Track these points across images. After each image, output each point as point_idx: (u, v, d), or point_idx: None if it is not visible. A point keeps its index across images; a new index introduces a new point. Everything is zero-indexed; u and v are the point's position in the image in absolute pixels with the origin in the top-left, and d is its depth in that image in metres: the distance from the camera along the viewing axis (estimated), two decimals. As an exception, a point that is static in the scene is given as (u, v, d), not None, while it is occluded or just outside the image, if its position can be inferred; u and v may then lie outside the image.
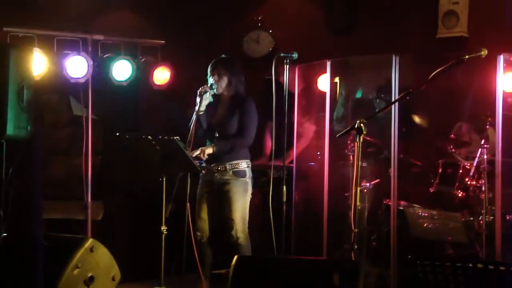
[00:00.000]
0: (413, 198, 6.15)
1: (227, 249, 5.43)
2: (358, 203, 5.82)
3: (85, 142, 6.04)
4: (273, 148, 5.46)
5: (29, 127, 5.06)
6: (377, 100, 6.82)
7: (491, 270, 3.55)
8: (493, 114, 5.15)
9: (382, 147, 6.12)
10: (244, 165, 5.51)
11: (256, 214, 6.10)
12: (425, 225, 5.84)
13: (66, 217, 6.54)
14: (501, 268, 3.53)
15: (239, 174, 5.49)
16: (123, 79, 6.20)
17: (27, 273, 4.49)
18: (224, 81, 5.51)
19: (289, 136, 5.41)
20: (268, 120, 6.10)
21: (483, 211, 5.63)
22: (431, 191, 6.12)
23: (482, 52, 4.23)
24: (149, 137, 5.14)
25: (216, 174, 5.51)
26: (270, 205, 5.19)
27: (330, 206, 5.70)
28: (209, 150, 5.42)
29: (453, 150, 6.17)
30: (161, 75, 6.44)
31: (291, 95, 5.77)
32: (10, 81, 4.84)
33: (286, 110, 5.10)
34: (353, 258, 5.43)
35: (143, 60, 6.40)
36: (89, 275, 4.88)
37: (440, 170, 6.09)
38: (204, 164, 5.48)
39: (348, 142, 6.25)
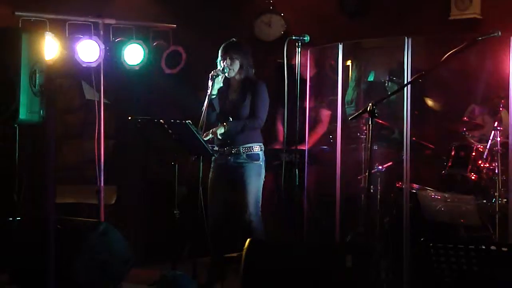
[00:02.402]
0: (425, 181, 6.13)
1: (240, 232, 5.44)
2: (370, 186, 5.85)
3: (97, 126, 6.06)
4: (285, 131, 5.45)
5: (41, 112, 5.09)
6: (389, 83, 6.79)
7: (504, 252, 3.54)
8: (506, 96, 5.11)
9: (393, 128, 6.10)
10: (257, 148, 5.52)
11: (269, 197, 6.11)
12: (438, 207, 5.82)
13: (79, 201, 6.58)
14: (515, 250, 3.52)
15: (253, 157, 5.50)
16: (135, 63, 6.21)
17: (39, 256, 4.51)
18: (236, 64, 5.51)
19: (301, 119, 5.40)
20: (280, 103, 6.10)
21: (496, 194, 5.62)
22: (444, 173, 6.10)
23: (496, 33, 4.20)
24: (161, 121, 5.14)
25: (230, 157, 5.51)
26: (283, 188, 5.19)
27: (342, 190, 5.69)
28: (221, 130, 5.44)
29: (466, 132, 6.14)
30: (173, 59, 6.44)
31: (303, 78, 5.75)
32: (22, 66, 4.86)
33: (298, 93, 5.08)
34: (365, 241, 5.45)
35: (155, 44, 6.40)
36: (102, 259, 4.90)
37: (453, 153, 6.06)
38: (216, 148, 5.50)
39: (361, 125, 6.23)
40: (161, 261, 5.97)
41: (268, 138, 6.01)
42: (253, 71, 5.60)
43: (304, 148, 6.00)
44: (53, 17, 5.97)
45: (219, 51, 5.53)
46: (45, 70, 4.94)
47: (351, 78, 7.09)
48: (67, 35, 5.99)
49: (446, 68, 6.01)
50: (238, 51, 5.52)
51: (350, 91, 7.00)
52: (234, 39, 5.61)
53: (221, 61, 5.51)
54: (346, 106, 6.86)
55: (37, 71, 4.89)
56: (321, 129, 6.47)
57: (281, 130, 6.56)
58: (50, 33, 5.77)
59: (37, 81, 4.88)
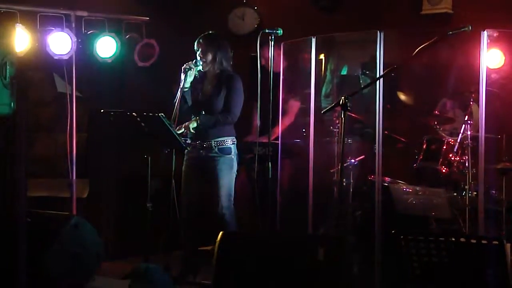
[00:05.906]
0: (397, 174, 6.18)
1: (213, 225, 5.44)
2: (343, 179, 5.88)
3: (70, 119, 6.02)
4: (258, 125, 5.45)
5: (12, 104, 5.03)
6: (362, 77, 6.83)
7: (473, 244, 3.59)
8: (476, 90, 5.18)
9: (366, 123, 6.14)
10: (229, 142, 5.51)
11: (242, 190, 6.12)
12: (410, 200, 5.88)
13: (51, 195, 6.53)
14: (483, 242, 3.57)
15: (225, 151, 5.49)
16: (108, 56, 6.17)
17: (9, 250, 4.48)
18: (209, 57, 5.50)
19: (274, 113, 5.41)
20: (254, 97, 6.10)
21: (466, 187, 5.69)
22: (416, 167, 6.16)
23: (466, 28, 4.25)
24: (134, 114, 5.12)
25: (201, 151, 5.51)
26: (256, 181, 5.20)
27: (315, 182, 5.72)
28: (193, 124, 5.43)
29: (437, 126, 6.21)
30: (146, 52, 6.41)
31: (276, 72, 5.75)
32: (-8, 58, 4.80)
33: (271, 87, 5.09)
34: (337, 234, 5.48)
35: (127, 36, 6.36)
36: (74, 252, 4.87)
37: (424, 146, 6.12)
38: (189, 141, 5.49)
39: (334, 118, 6.26)
40: (134, 254, 5.96)
41: (242, 131, 6.01)
42: (229, 65, 5.58)
43: (277, 142, 6.02)
44: (23, 8, 5.90)
45: (195, 44, 5.52)
46: (15, 62, 4.88)
47: (325, 71, 7.12)
48: (38, 27, 5.93)
49: (418, 62, 6.06)
50: (211, 43, 5.51)
51: (326, 84, 7.03)
52: (210, 31, 5.60)
53: (197, 54, 5.51)
54: (323, 98, 6.89)
55: (7, 63, 4.82)
56: (287, 121, 6.47)
57: (256, 122, 6.57)
58: (20, 24, 5.71)
59: (7, 73, 4.81)
